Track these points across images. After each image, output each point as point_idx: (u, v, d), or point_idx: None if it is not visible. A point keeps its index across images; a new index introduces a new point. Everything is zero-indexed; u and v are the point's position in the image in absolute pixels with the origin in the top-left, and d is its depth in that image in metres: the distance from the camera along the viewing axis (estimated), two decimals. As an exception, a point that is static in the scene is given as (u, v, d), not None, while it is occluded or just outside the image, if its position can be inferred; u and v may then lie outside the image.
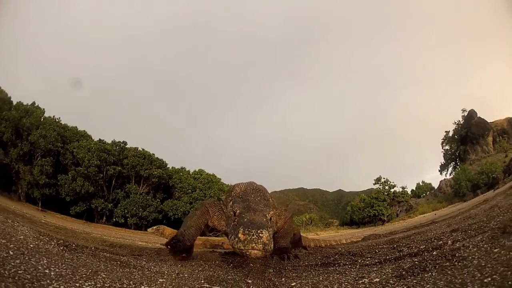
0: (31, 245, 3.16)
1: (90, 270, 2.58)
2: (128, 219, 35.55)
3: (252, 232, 3.05)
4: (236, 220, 3.49)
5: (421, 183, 66.88)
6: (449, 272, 2.24)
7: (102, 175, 36.49)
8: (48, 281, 2.08)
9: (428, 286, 2.05)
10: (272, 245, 3.17)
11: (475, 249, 2.58)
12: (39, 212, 27.66)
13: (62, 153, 36.64)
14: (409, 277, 2.36)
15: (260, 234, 3.03)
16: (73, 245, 4.01)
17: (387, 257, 3.50)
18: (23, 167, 33.84)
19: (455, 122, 66.23)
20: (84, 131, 41.98)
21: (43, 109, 38.98)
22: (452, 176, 57.50)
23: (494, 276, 1.81)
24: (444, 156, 66.51)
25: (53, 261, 2.64)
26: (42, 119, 37.43)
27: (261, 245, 2.97)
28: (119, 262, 3.30)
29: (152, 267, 3.36)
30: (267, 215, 3.59)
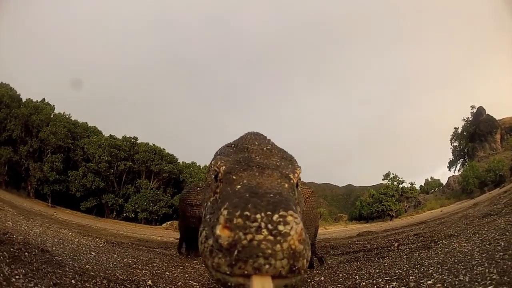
0: (92, 245, 3.87)
1: (147, 258, 3.25)
2: (139, 214, 35.73)
3: (255, 218, 1.11)
4: (218, 189, 1.56)
5: (429, 179, 66.92)
6: (366, 263, 2.98)
7: (112, 170, 36.71)
8: (135, 265, 2.71)
9: (346, 269, 2.77)
10: (309, 254, 1.22)
11: (397, 253, 3.36)
12: (50, 208, 27.65)
13: (73, 149, 36.83)
14: (346, 263, 3.09)
15: (281, 226, 1.10)
16: (114, 242, 4.80)
17: (351, 250, 4.28)
18: (33, 164, 34.04)
19: (464, 119, 66.02)
20: (95, 126, 42.25)
21: (53, 105, 39.29)
22: (460, 172, 57.24)
23: (377, 270, 2.58)
24: (452, 153, 66.26)
25: (118, 254, 3.31)
26: (52, 116, 37.63)
27: (285, 261, 1.07)
28: (157, 253, 3.95)
29: (177, 258, 4.00)
30: (290, 176, 1.56)
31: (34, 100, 37.98)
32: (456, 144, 66.06)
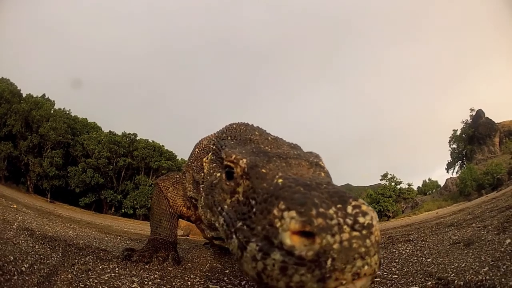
0: (123, 242, 4.42)
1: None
2: (137, 210, 35.85)
3: (331, 214, 0.91)
4: (240, 188, 1.30)
5: (427, 181, 67.09)
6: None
7: (112, 166, 36.95)
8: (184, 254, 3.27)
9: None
10: None
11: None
12: (49, 203, 27.68)
13: (72, 145, 36.95)
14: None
15: (361, 218, 0.93)
16: (136, 239, 5.35)
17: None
18: (32, 159, 34.14)
19: (463, 121, 66.09)
20: (94, 122, 42.46)
21: (53, 101, 39.44)
22: (458, 175, 57.41)
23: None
24: (451, 155, 66.29)
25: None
26: (52, 111, 37.69)
27: (377, 257, 0.94)
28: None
29: (195, 249, 4.57)
30: (321, 163, 1.41)
31: (35, 96, 38.12)
32: (454, 146, 66.15)
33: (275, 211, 0.96)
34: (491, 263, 2.10)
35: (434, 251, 3.07)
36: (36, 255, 2.11)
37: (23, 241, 2.51)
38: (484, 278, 1.84)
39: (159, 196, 3.23)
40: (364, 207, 0.95)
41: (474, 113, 65.02)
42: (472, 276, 1.88)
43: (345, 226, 0.89)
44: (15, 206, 6.87)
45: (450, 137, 67.15)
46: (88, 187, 35.31)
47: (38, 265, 1.88)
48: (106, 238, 4.64)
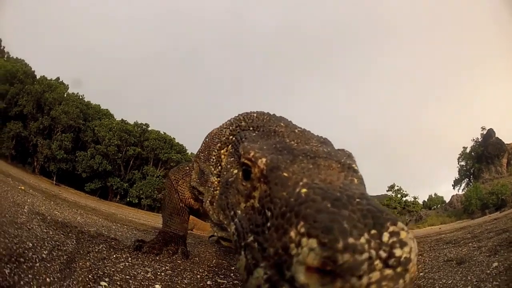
0: (130, 232, 4.57)
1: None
2: (142, 200, 36.02)
3: (362, 245, 0.69)
4: (256, 193, 1.10)
5: (433, 196, 66.58)
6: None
7: (121, 154, 37.03)
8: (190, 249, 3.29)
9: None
10: None
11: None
12: (54, 186, 27.88)
13: (83, 130, 37.15)
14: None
15: (398, 250, 0.72)
16: (143, 229, 5.45)
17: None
18: (41, 140, 34.36)
19: (473, 139, 65.65)
20: (107, 110, 42.54)
21: (67, 85, 39.74)
22: (464, 192, 57.02)
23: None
24: (459, 172, 65.84)
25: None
26: (65, 95, 37.94)
27: None
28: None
29: (200, 244, 4.65)
30: (354, 166, 1.15)
31: (49, 78, 38.38)
32: (463, 163, 65.70)
33: (292, 234, 0.76)
34: (474, 283, 2.20)
35: (428, 266, 3.18)
36: (52, 242, 2.15)
37: (36, 226, 2.55)
38: (464, 296, 1.88)
39: (170, 189, 3.15)
40: (403, 235, 0.74)
41: (485, 132, 64.54)
42: (455, 293, 1.92)
43: (377, 262, 0.69)
44: (22, 188, 6.96)
45: (460, 154, 66.72)
46: (95, 173, 35.45)
47: (56, 252, 1.92)
48: (114, 227, 4.71)
